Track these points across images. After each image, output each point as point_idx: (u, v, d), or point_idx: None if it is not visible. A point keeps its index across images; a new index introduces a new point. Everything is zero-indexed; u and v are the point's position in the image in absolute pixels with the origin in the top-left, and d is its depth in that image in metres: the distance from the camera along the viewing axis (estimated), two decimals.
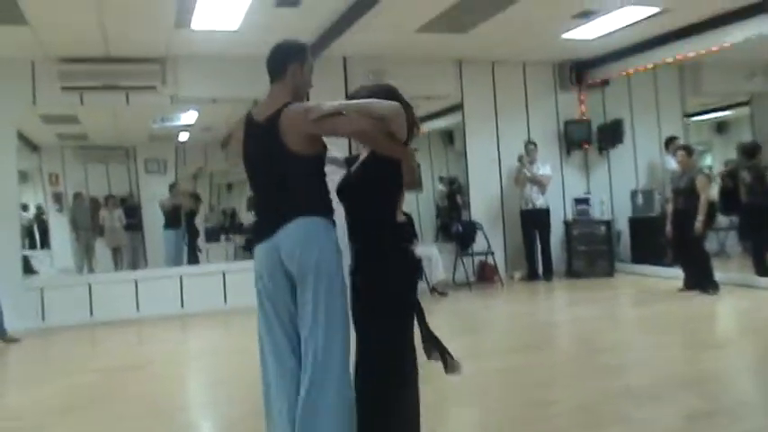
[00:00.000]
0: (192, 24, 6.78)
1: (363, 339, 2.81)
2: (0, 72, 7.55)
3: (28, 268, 8.53)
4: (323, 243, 2.72)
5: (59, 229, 11.43)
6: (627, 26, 7.69)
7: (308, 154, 2.79)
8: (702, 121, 11.00)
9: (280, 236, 2.72)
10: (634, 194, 9.53)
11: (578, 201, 9.55)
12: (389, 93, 2.94)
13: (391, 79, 8.57)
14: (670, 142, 9.02)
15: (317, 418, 2.63)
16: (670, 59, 8.40)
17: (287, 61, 2.97)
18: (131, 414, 4.20)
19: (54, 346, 6.96)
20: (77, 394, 4.78)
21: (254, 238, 2.88)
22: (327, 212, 2.80)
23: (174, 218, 11.01)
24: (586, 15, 7.36)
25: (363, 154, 2.94)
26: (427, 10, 6.89)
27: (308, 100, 2.98)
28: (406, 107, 2.90)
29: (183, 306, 8.03)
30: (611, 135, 9.69)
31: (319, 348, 2.65)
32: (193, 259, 10.68)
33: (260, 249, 2.80)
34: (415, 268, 2.95)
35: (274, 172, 2.79)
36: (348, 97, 3.00)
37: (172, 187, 11.25)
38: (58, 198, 11.71)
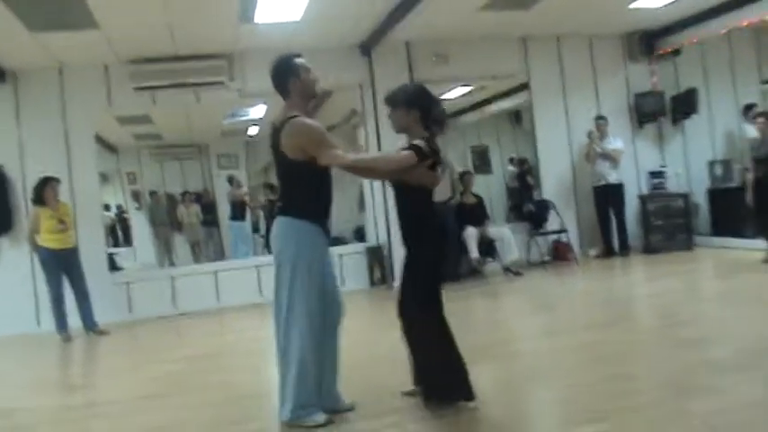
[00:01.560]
0: (256, 18, 6.89)
1: None
2: (76, 77, 7.89)
3: (113, 265, 8.91)
4: (282, 239, 3.47)
5: (140, 226, 11.90)
6: None
7: (297, 160, 3.41)
8: None
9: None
10: (712, 165, 9.17)
11: (653, 174, 9.27)
12: (416, 93, 3.63)
13: (455, 62, 8.70)
14: (748, 109, 8.63)
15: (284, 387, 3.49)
16: (745, 23, 8.00)
17: (284, 81, 3.50)
18: (214, 401, 4.33)
19: (141, 337, 7.27)
20: (164, 382, 4.97)
21: None
22: (298, 212, 3.46)
23: (239, 210, 11.32)
24: None
25: None
26: None
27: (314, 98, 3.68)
28: (436, 104, 3.61)
29: (261, 294, 8.23)
30: (685, 105, 9.33)
31: (282, 320, 3.45)
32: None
33: None
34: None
35: (277, 172, 3.57)
36: (386, 98, 3.66)
37: (230, 180, 11.57)
38: (136, 196, 12.19)
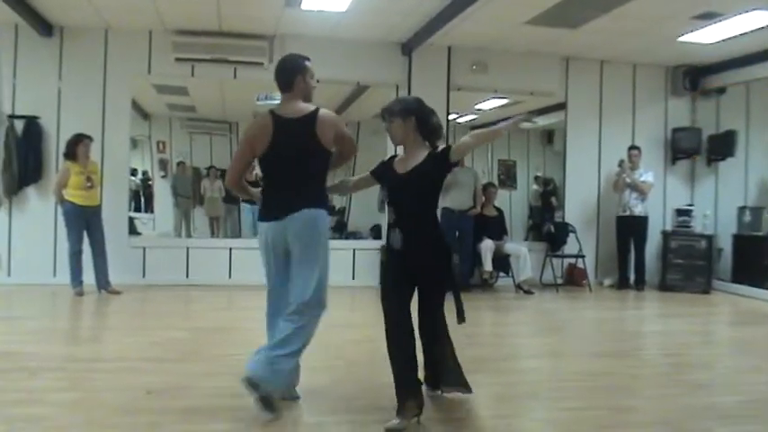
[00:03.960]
0: (303, 4, 6.93)
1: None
2: (121, 40, 8.00)
3: (133, 229, 9.01)
4: (319, 232, 3.56)
5: (163, 194, 11.99)
6: (751, 31, 7.28)
7: (328, 152, 3.60)
8: None
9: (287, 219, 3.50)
10: (741, 211, 9.00)
11: (680, 212, 9.16)
12: (412, 103, 3.68)
13: (494, 72, 8.68)
14: None
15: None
16: None
17: (292, 76, 3.60)
18: (218, 372, 4.37)
19: (151, 302, 7.35)
20: (169, 347, 5.03)
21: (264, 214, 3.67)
22: (324, 205, 3.65)
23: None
24: (708, 17, 7.02)
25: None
26: (539, 1, 6.75)
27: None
28: (432, 114, 3.65)
29: None
30: (722, 146, 9.20)
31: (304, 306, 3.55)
32: None
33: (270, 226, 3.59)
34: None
35: (301, 163, 3.52)
36: (384, 109, 3.69)
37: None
38: (163, 165, 12.28)
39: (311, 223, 3.52)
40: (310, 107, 3.57)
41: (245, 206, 11.35)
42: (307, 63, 3.64)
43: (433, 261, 3.52)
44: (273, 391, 3.44)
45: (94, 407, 3.61)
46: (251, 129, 3.68)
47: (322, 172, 3.63)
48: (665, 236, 9.09)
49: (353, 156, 3.86)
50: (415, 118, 3.56)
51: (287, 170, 3.54)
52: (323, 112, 3.56)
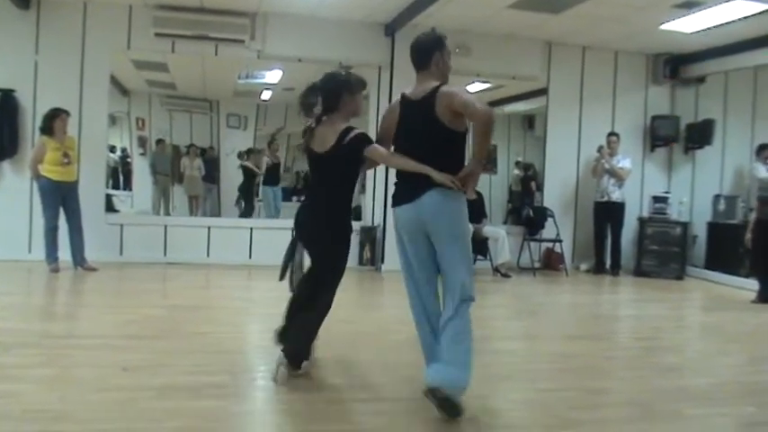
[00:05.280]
0: None
1: None
2: (100, 14, 7.86)
3: (110, 206, 8.93)
4: (456, 213, 3.39)
5: (142, 172, 11.89)
6: (732, 21, 7.33)
7: (456, 129, 3.33)
8: None
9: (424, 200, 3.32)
10: (716, 199, 9.13)
11: (656, 199, 9.27)
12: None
13: (477, 56, 8.66)
14: (762, 149, 8.59)
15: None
16: None
17: (430, 53, 3.44)
18: (194, 350, 4.38)
19: (128, 279, 7.31)
20: (145, 324, 5.02)
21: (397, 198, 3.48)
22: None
23: (270, 175, 11.39)
24: (689, 6, 7.07)
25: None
26: None
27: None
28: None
29: (250, 257, 8.26)
30: (699, 135, 9.32)
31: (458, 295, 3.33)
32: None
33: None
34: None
35: (428, 143, 3.33)
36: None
37: (249, 152, 11.61)
38: (142, 142, 12.16)
39: (443, 208, 3.33)
40: (434, 85, 3.35)
41: (266, 188, 11.36)
42: (445, 40, 3.46)
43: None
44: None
45: (70, 383, 3.59)
46: (386, 112, 3.65)
47: (450, 152, 3.37)
48: (642, 222, 9.20)
49: (487, 123, 3.19)
50: None
51: (410, 152, 3.37)
52: (443, 87, 3.32)
